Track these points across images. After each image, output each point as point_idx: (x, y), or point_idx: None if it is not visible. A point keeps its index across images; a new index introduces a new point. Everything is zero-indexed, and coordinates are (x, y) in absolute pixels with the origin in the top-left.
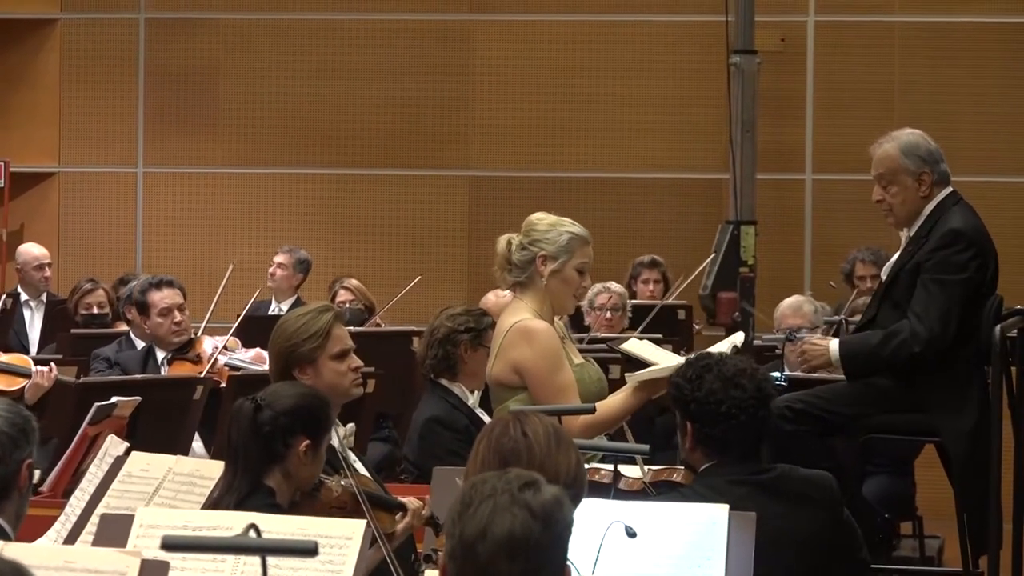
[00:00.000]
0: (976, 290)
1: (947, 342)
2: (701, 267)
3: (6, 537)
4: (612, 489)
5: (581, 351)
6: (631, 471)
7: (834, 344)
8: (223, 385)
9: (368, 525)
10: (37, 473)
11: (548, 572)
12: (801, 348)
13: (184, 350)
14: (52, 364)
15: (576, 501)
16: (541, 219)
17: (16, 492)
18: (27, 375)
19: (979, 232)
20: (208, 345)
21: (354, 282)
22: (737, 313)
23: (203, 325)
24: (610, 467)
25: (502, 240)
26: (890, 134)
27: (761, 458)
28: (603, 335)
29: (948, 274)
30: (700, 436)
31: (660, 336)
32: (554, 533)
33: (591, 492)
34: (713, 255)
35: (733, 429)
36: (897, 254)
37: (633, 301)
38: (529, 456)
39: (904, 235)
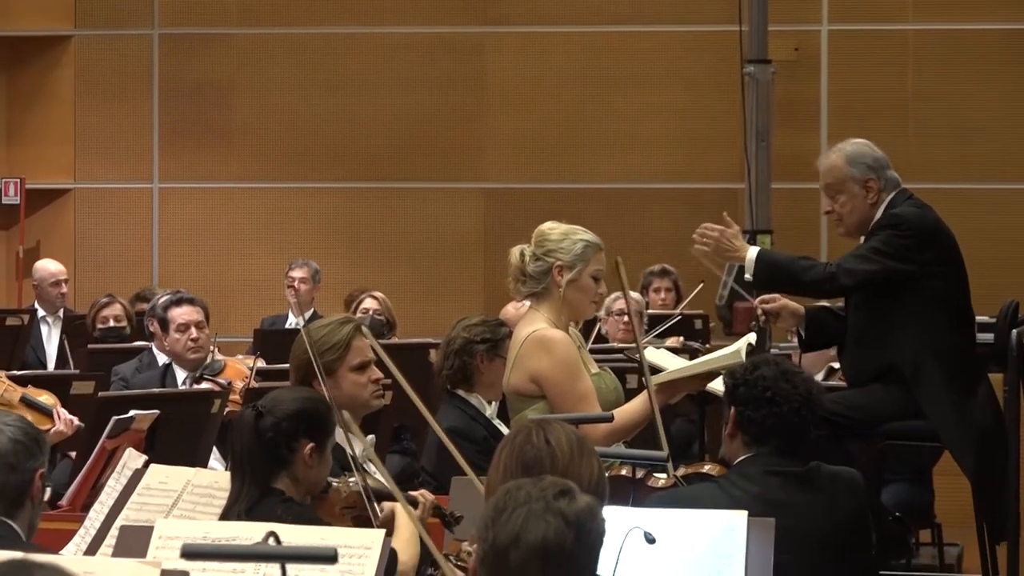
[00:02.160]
0: (909, 267)
1: (843, 292)
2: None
3: (20, 545)
4: (634, 487)
5: (598, 361)
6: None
7: (754, 248)
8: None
9: (387, 534)
10: (48, 490)
11: None
12: (715, 236)
13: (214, 372)
14: (75, 419)
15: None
16: (553, 228)
17: (29, 501)
18: (50, 416)
19: (921, 219)
20: (238, 374)
21: (381, 295)
22: (753, 322)
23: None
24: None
25: (515, 252)
26: (836, 146)
27: (797, 457)
28: (620, 344)
29: (881, 241)
30: (741, 420)
31: (679, 343)
32: (587, 542)
33: (623, 487)
34: (729, 265)
35: (774, 417)
36: None
37: (647, 311)
38: (552, 464)
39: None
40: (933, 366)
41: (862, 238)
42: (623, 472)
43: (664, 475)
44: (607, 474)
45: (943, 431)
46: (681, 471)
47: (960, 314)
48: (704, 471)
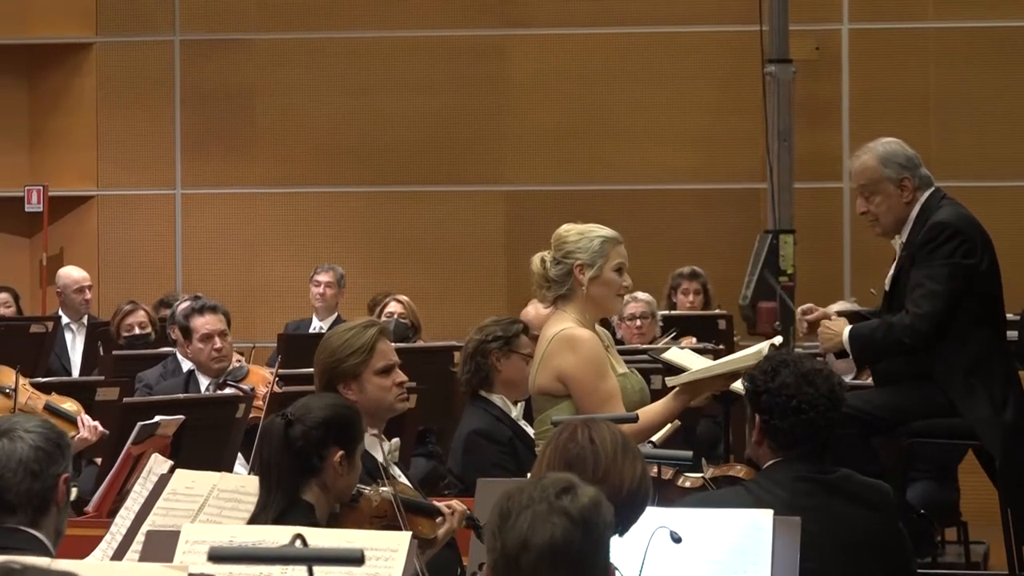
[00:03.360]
0: (969, 277)
1: (932, 332)
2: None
3: (47, 553)
4: (659, 486)
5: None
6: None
7: (847, 329)
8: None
9: (413, 536)
10: (74, 491)
11: (593, 574)
12: (819, 331)
13: (235, 377)
14: (99, 425)
15: (641, 508)
16: (568, 230)
17: (54, 507)
18: (75, 423)
19: (964, 220)
20: (261, 380)
21: (406, 298)
22: (778, 322)
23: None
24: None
25: (536, 259)
26: (866, 145)
27: (825, 460)
28: (644, 346)
29: (934, 264)
30: (768, 429)
31: (703, 345)
32: (594, 536)
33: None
34: (752, 263)
35: (801, 425)
36: (893, 263)
37: (674, 312)
38: (595, 463)
39: (896, 243)
40: (971, 365)
41: (900, 238)
42: (652, 471)
43: (694, 474)
44: None
45: (980, 428)
46: (710, 472)
47: (994, 311)
48: (732, 474)
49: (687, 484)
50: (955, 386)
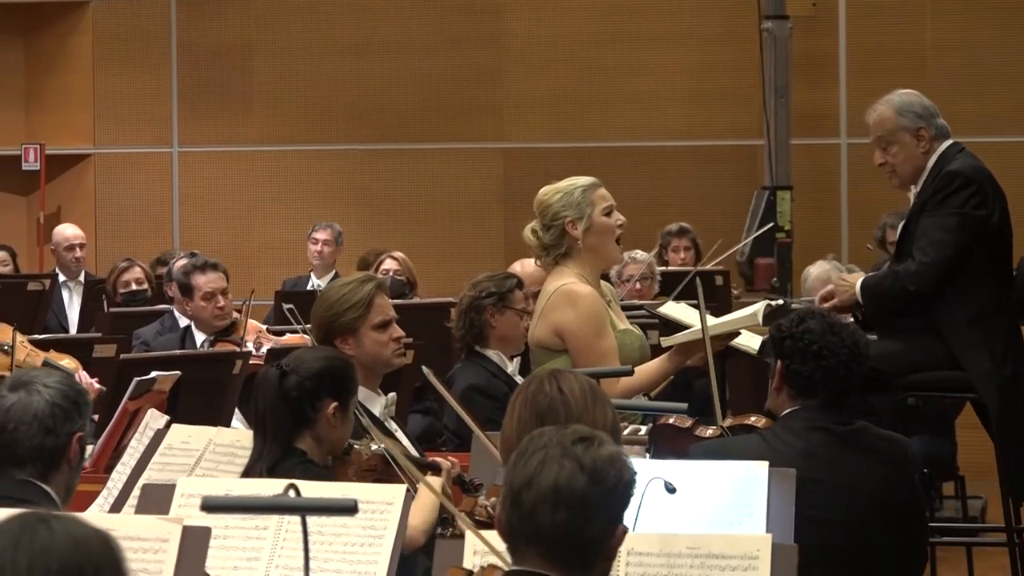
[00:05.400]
0: (979, 228)
1: (936, 280)
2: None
3: (55, 508)
4: (677, 435)
5: None
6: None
7: (860, 279)
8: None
9: (408, 490)
10: (89, 448)
11: (594, 527)
12: (835, 281)
13: (227, 332)
14: (96, 381)
15: None
16: (547, 193)
17: (66, 464)
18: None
19: (978, 172)
20: (252, 329)
21: (401, 255)
22: (775, 279)
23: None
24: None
25: (527, 232)
26: (883, 98)
27: (843, 411)
28: (640, 302)
29: (943, 213)
30: (788, 373)
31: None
32: (602, 488)
33: (672, 436)
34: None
35: (821, 371)
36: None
37: (664, 268)
38: (566, 413)
39: (912, 194)
40: (974, 318)
41: (915, 188)
42: (671, 421)
43: (713, 426)
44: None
45: (979, 382)
46: (728, 421)
47: (1001, 265)
48: (750, 423)
49: (707, 433)
50: (957, 338)
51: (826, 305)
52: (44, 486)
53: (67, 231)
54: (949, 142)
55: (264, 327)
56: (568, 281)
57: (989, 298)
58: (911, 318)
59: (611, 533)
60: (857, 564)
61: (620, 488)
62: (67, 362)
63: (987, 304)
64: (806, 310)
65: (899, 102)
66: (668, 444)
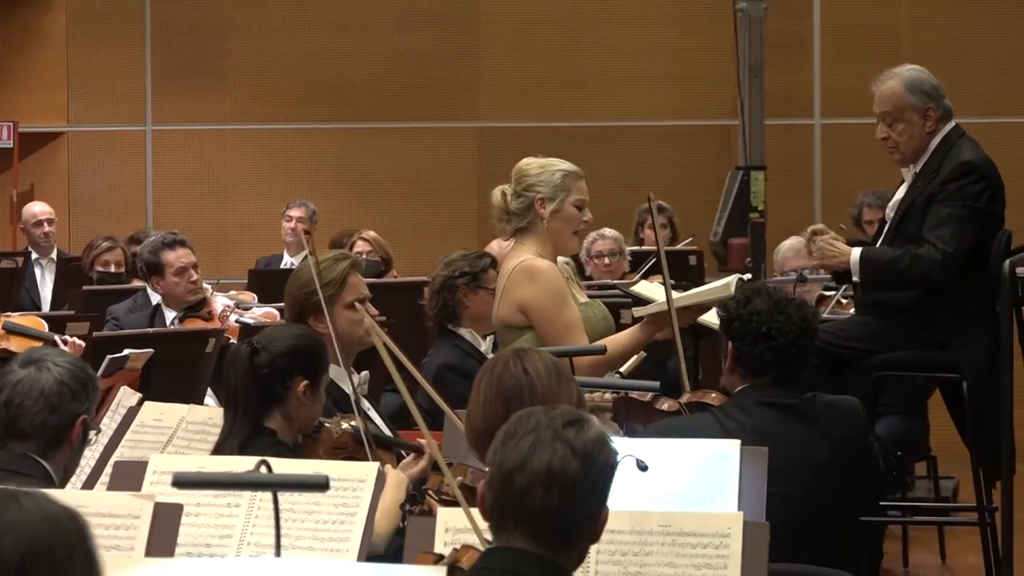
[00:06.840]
0: (987, 221)
1: (956, 271)
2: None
3: (52, 485)
4: (636, 408)
5: (592, 296)
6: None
7: (856, 249)
8: (233, 342)
9: (380, 468)
10: (93, 434)
11: (584, 510)
12: (820, 245)
13: (196, 308)
14: (76, 339)
15: None
16: (530, 163)
17: (67, 444)
18: (49, 341)
19: (990, 165)
20: (220, 303)
21: (372, 234)
22: (748, 259)
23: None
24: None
25: (496, 192)
26: (891, 71)
27: (794, 388)
28: (612, 281)
29: (962, 204)
30: (739, 355)
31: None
32: (592, 471)
33: (633, 408)
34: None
35: (771, 351)
36: (903, 191)
37: (643, 248)
38: (531, 393)
39: (909, 172)
40: (968, 307)
41: (914, 167)
42: (633, 394)
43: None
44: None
45: (967, 369)
46: (686, 397)
47: (988, 248)
48: (707, 400)
49: (664, 407)
50: (948, 326)
51: (812, 260)
52: (43, 462)
53: (35, 207)
54: (952, 124)
55: (233, 303)
56: (525, 258)
57: (984, 289)
58: (893, 299)
59: (597, 515)
60: (814, 534)
61: (607, 471)
62: (31, 324)
63: (982, 295)
64: (751, 288)
65: (909, 78)
66: (629, 416)
